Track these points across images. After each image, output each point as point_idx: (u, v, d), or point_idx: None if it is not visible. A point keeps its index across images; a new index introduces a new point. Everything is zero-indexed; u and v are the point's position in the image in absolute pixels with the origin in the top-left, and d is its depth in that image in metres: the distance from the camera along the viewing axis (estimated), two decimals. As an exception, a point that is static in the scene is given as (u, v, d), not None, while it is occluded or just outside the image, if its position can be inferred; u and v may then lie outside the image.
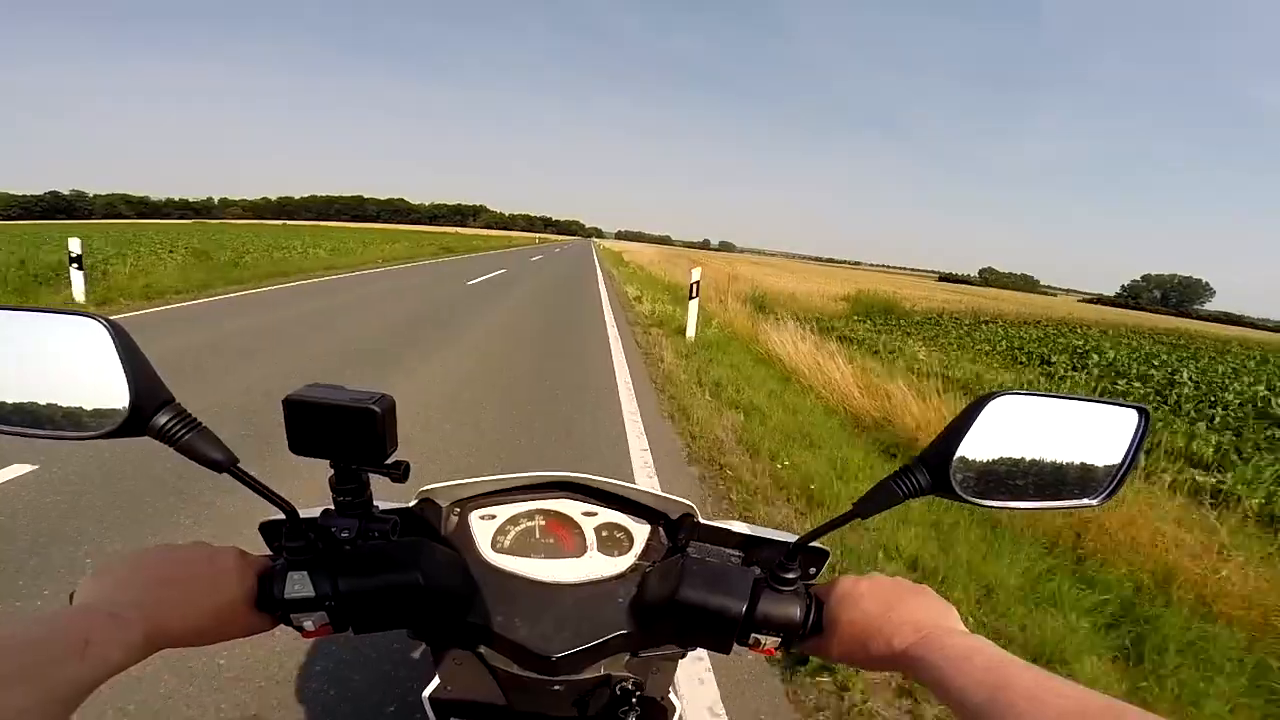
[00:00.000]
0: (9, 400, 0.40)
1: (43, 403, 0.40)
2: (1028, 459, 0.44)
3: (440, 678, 0.60)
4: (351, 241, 23.76)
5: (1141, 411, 0.45)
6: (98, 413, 0.40)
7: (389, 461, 0.47)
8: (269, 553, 0.52)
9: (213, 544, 0.46)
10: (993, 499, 0.44)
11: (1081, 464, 0.45)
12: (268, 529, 0.54)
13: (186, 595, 0.41)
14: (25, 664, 0.30)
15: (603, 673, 0.55)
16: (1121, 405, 0.45)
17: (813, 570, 0.58)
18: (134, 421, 0.39)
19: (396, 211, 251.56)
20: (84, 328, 0.40)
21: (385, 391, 0.47)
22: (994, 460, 0.43)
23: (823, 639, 0.48)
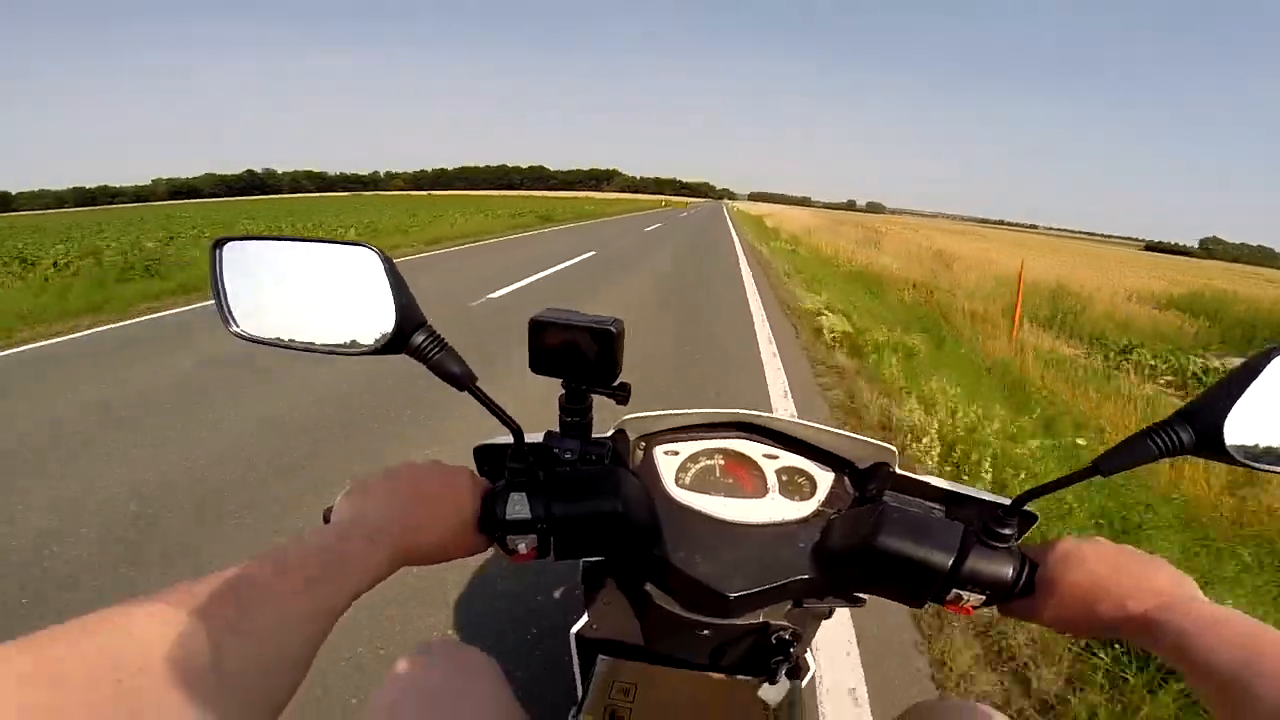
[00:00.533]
0: (292, 320, 0.45)
1: (320, 322, 0.45)
2: None
3: (589, 615, 0.63)
4: (453, 210, 25.00)
5: None
6: (368, 330, 0.43)
7: (616, 384, 0.50)
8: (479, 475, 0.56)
9: (447, 464, 0.48)
10: (1269, 463, 0.38)
11: None
12: (481, 452, 0.58)
13: (430, 515, 0.44)
14: (309, 575, 0.33)
15: (761, 620, 0.56)
16: None
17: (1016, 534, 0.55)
18: (396, 340, 0.42)
19: (538, 179, 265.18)
20: (361, 256, 0.43)
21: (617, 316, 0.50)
22: (1273, 422, 0.37)
23: (1034, 600, 0.45)
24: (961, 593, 0.47)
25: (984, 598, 0.47)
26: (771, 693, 0.55)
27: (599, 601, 0.63)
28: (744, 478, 0.65)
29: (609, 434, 0.63)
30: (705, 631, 0.56)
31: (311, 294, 0.45)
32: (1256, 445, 0.38)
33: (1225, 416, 0.37)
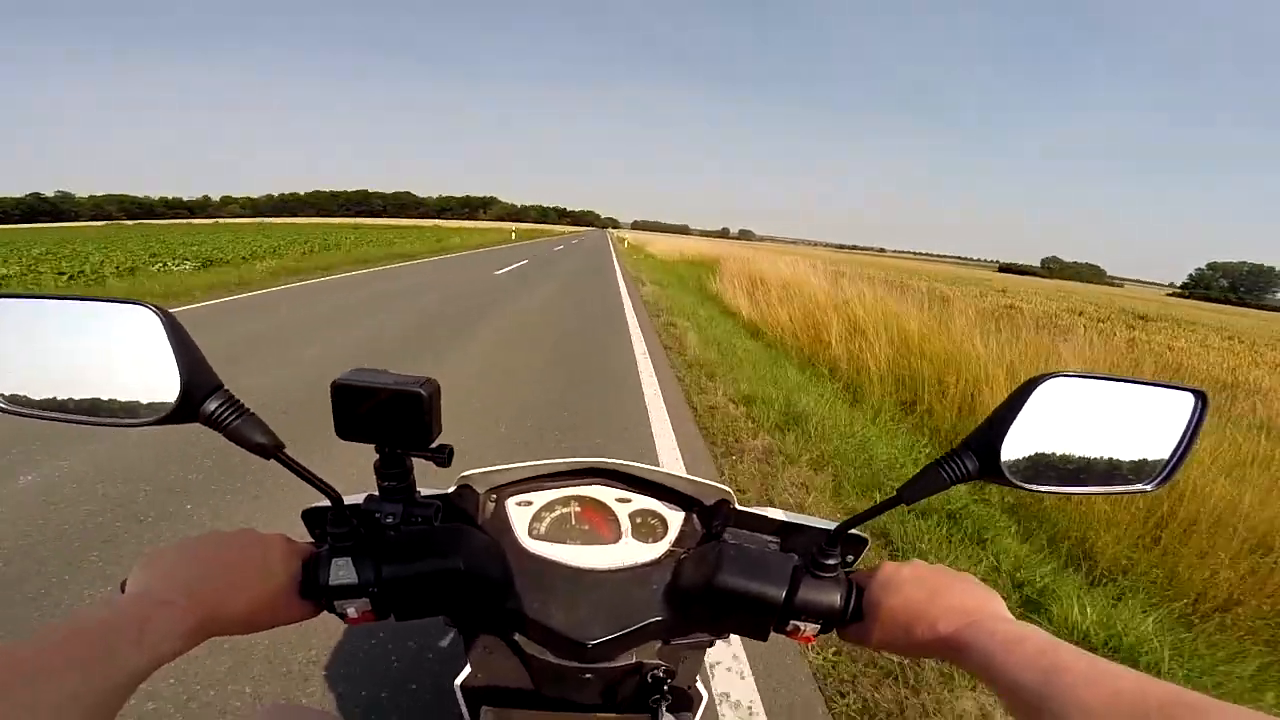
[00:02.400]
0: (64, 388, 0.42)
1: (96, 390, 0.42)
2: (1079, 442, 0.45)
3: (471, 665, 0.63)
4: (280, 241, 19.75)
5: (1199, 395, 0.46)
6: (150, 399, 0.42)
7: (434, 445, 0.49)
8: (310, 540, 0.55)
9: (260, 531, 0.48)
10: (1044, 484, 0.45)
11: (1135, 448, 0.46)
12: (310, 516, 0.57)
13: (237, 582, 0.43)
14: (83, 654, 0.32)
15: (634, 660, 0.57)
16: (1178, 388, 0.46)
17: (850, 558, 0.60)
18: (184, 408, 0.41)
19: (403, 206, 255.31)
20: (136, 316, 0.41)
21: (430, 376, 0.49)
22: (1044, 443, 0.44)
23: (864, 625, 0.49)
24: (798, 623, 0.51)
25: (819, 625, 0.51)
26: None
27: (479, 649, 0.62)
28: (599, 523, 0.67)
29: (450, 489, 0.63)
30: (587, 675, 0.57)
31: (85, 359, 0.43)
32: (1030, 468, 0.45)
33: (1000, 444, 0.43)
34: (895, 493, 0.46)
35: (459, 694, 0.65)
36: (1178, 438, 0.46)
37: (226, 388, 0.43)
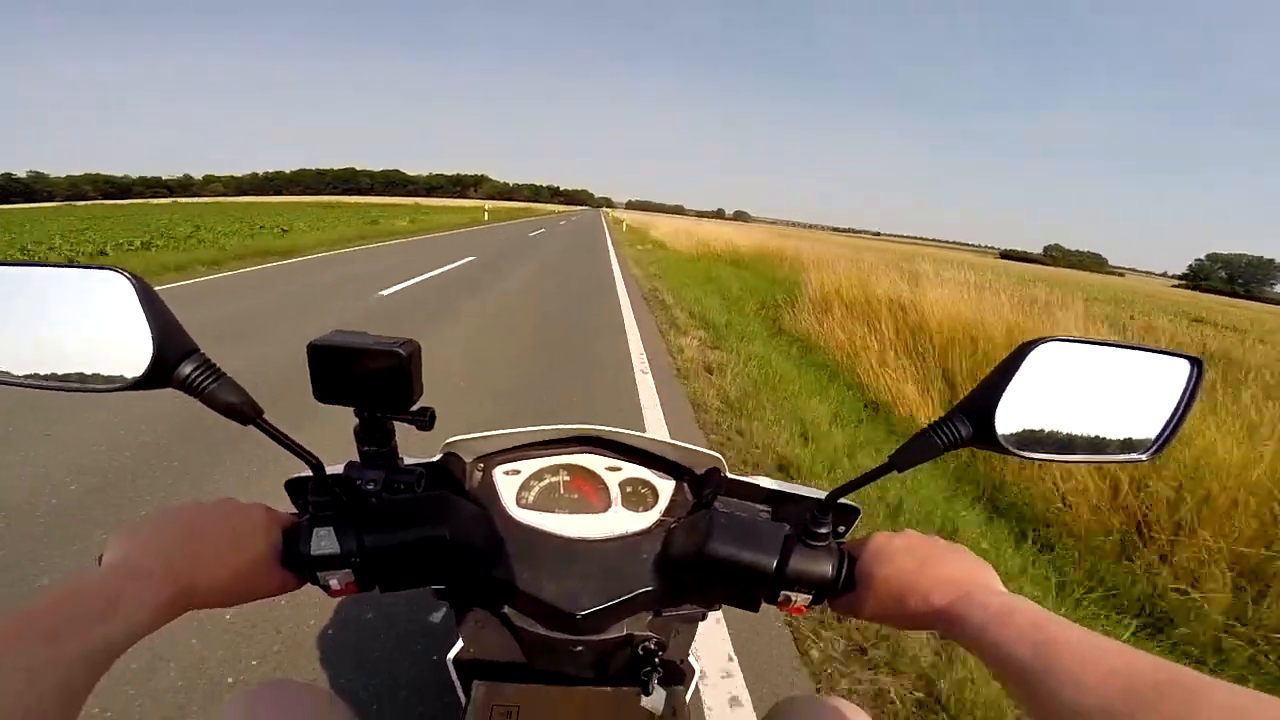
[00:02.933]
0: (35, 354, 0.42)
1: (67, 356, 0.43)
2: (1073, 408, 0.45)
3: (463, 639, 0.63)
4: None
5: (1195, 362, 0.46)
6: (123, 364, 0.42)
7: (414, 409, 0.49)
8: (294, 510, 0.55)
9: (239, 500, 0.47)
10: (1037, 452, 0.45)
11: (1130, 416, 0.46)
12: (293, 486, 0.57)
13: (214, 553, 0.43)
14: (50, 626, 0.32)
15: (625, 632, 0.58)
16: (1174, 355, 0.46)
17: (841, 528, 0.60)
18: (157, 372, 0.41)
19: (392, 184, 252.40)
20: (107, 281, 0.41)
21: (410, 338, 0.48)
22: (1038, 410, 0.44)
23: (855, 596, 0.49)
24: (790, 593, 0.51)
25: (810, 596, 0.51)
26: (651, 702, 0.57)
27: (470, 623, 0.63)
28: (589, 492, 0.67)
29: (436, 457, 0.63)
30: (579, 647, 0.57)
31: (56, 325, 0.43)
32: (1023, 434, 0.44)
33: (995, 409, 0.43)
34: (888, 460, 0.46)
35: (451, 668, 0.65)
36: (1173, 405, 0.46)
37: (202, 351, 0.43)
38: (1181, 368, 0.46)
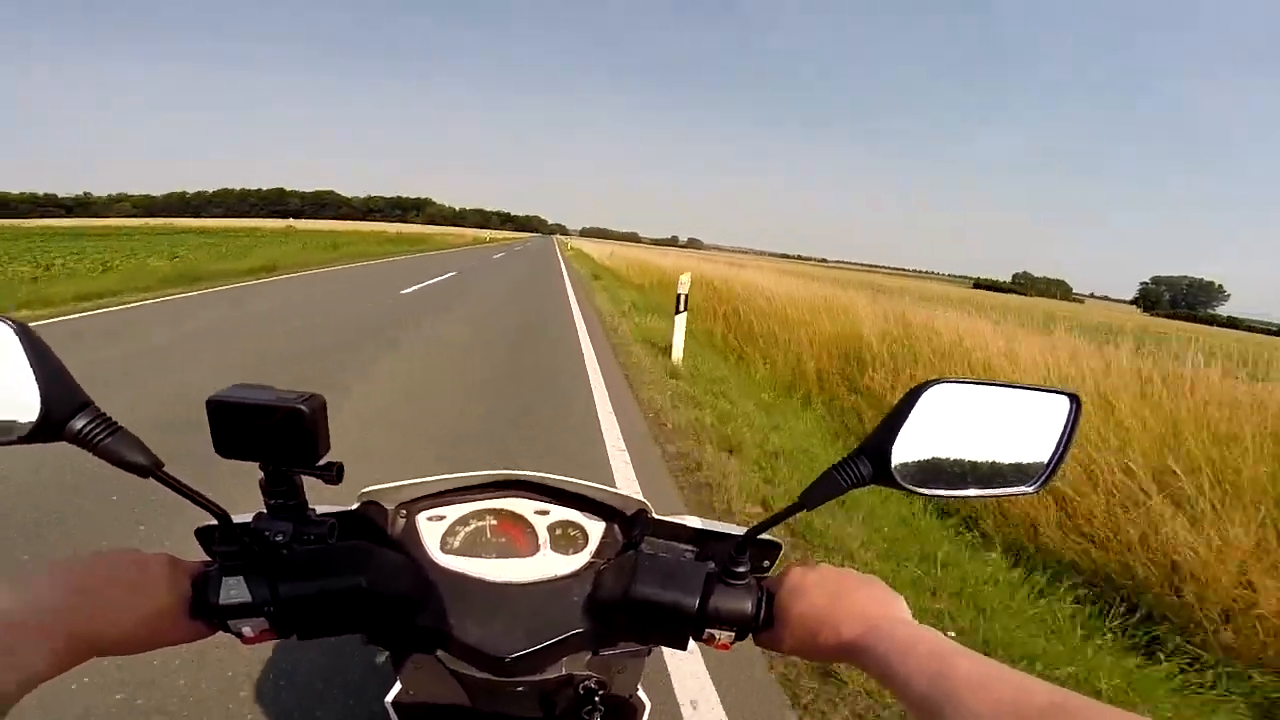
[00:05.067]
0: None
1: None
2: (965, 446, 0.50)
3: (401, 682, 0.64)
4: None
5: (1073, 398, 0.51)
6: (7, 420, 0.42)
7: (321, 463, 0.50)
8: (206, 558, 0.55)
9: (142, 550, 0.48)
10: (933, 488, 0.49)
11: (1017, 451, 0.51)
12: (204, 534, 0.57)
13: (113, 602, 0.44)
14: None
15: (564, 672, 0.59)
16: (1053, 392, 0.51)
17: (766, 563, 0.63)
18: (46, 426, 0.41)
19: (325, 205, 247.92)
20: None
21: (315, 392, 0.50)
22: (933, 448, 0.49)
23: (775, 632, 0.52)
24: (713, 631, 0.54)
25: (734, 633, 0.54)
26: None
27: (409, 665, 0.63)
28: (517, 536, 0.69)
29: (354, 505, 0.65)
30: (520, 688, 0.59)
31: None
32: (919, 471, 0.49)
33: (891, 449, 0.47)
34: (798, 499, 0.50)
35: (391, 711, 0.66)
36: (1055, 439, 0.51)
37: (95, 404, 0.44)
38: (1062, 403, 0.51)
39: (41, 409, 0.41)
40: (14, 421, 0.42)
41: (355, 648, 1.78)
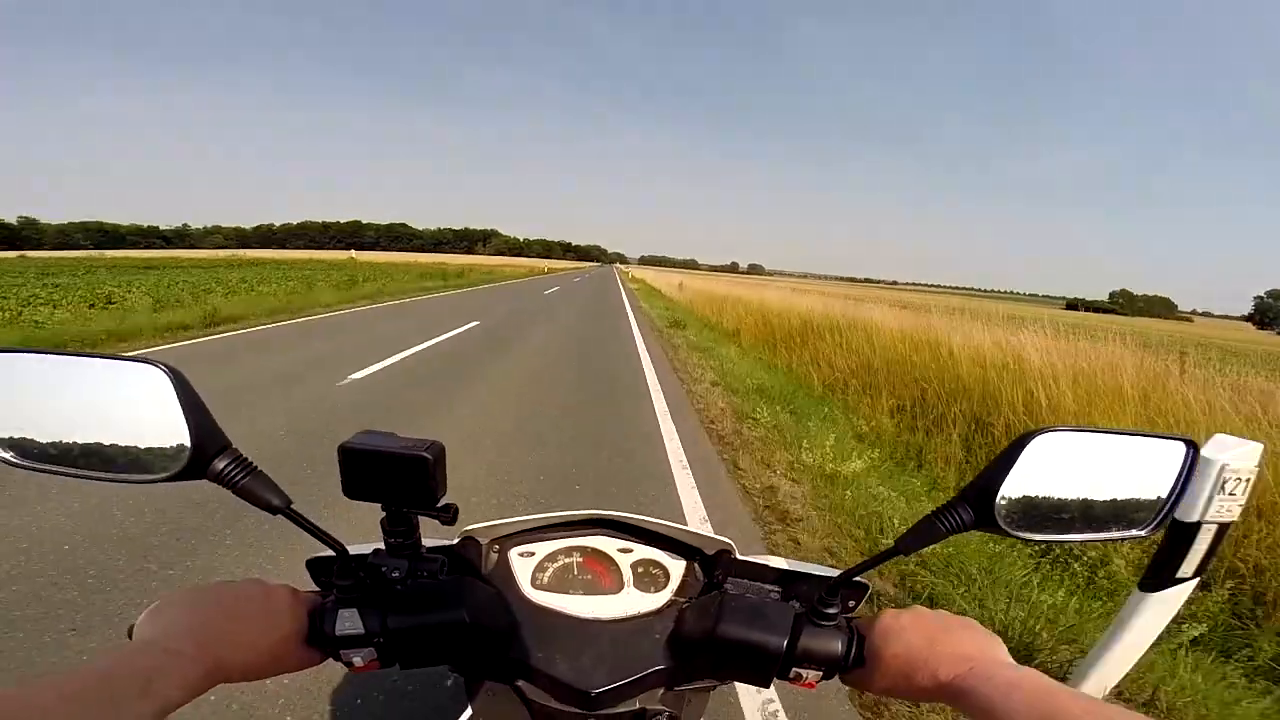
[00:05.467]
0: (78, 443, 0.47)
1: (109, 446, 0.47)
2: (1073, 492, 0.50)
3: (473, 710, 0.67)
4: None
5: (1189, 444, 0.51)
6: (162, 457, 0.46)
7: (439, 505, 0.55)
8: (316, 588, 0.60)
9: (266, 581, 0.52)
10: (1038, 532, 0.50)
11: (1127, 496, 0.51)
12: (315, 565, 0.62)
13: (243, 631, 0.47)
14: (94, 700, 0.35)
15: (638, 707, 0.61)
16: (1167, 438, 0.51)
17: (851, 604, 0.64)
18: (194, 466, 0.46)
19: (397, 238, 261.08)
20: (147, 375, 0.46)
21: (435, 439, 0.55)
22: (1038, 495, 0.49)
23: (865, 672, 0.53)
24: (800, 670, 0.55)
25: (821, 672, 0.55)
26: None
27: (483, 694, 0.66)
28: (602, 573, 0.72)
29: (454, 541, 0.69)
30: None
31: (94, 415, 0.47)
32: (1025, 517, 0.50)
33: (996, 495, 0.48)
34: (894, 543, 0.51)
35: None
36: (1169, 485, 0.51)
37: (235, 447, 0.49)
38: (1177, 450, 0.51)
39: (191, 451, 0.45)
40: (165, 461, 0.46)
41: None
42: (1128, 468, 0.51)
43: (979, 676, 0.45)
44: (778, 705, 1.95)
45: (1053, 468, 0.49)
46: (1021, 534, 0.49)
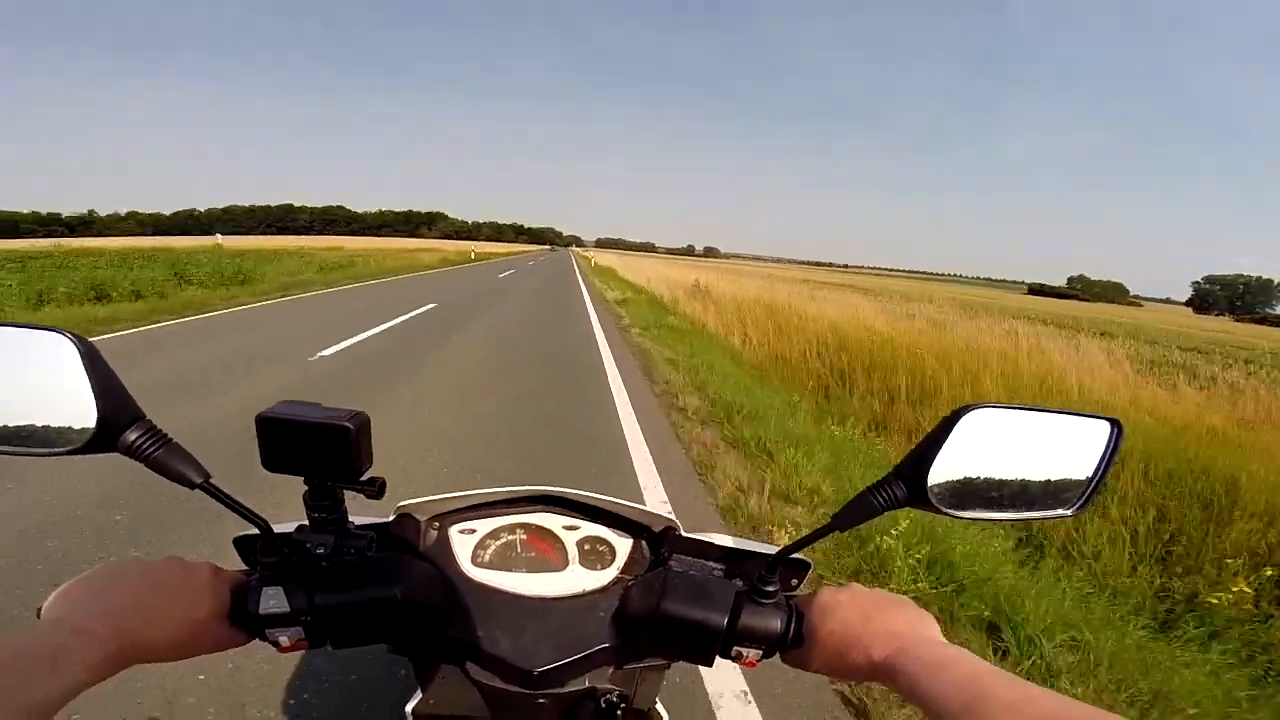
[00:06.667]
0: None
1: (10, 417, 0.46)
2: (1002, 470, 0.52)
3: (423, 692, 0.67)
4: None
5: (1114, 424, 0.53)
6: (65, 429, 0.46)
7: (364, 478, 0.54)
8: (244, 567, 0.59)
9: (186, 559, 0.52)
10: (969, 510, 0.52)
11: (1055, 475, 0.53)
12: (242, 543, 0.61)
13: (157, 609, 0.46)
14: None
15: (587, 685, 0.62)
16: (1094, 417, 0.54)
17: (794, 582, 0.67)
18: (102, 438, 0.45)
19: (333, 221, 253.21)
20: (49, 342, 0.46)
21: (359, 409, 0.54)
22: (969, 472, 0.51)
23: (804, 650, 0.55)
24: (741, 649, 0.57)
25: (761, 651, 0.57)
26: None
27: (430, 676, 0.66)
28: (546, 550, 0.73)
29: (390, 518, 0.69)
30: (541, 700, 0.61)
31: None
32: (955, 494, 0.51)
33: (928, 471, 0.50)
34: (830, 520, 0.53)
35: None
36: (1095, 463, 0.53)
37: (148, 417, 0.47)
38: (1103, 429, 0.54)
39: (97, 422, 0.44)
40: (71, 433, 0.45)
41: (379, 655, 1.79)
42: (1055, 446, 0.54)
43: (909, 655, 0.46)
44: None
45: (983, 445, 0.51)
46: (952, 512, 0.51)
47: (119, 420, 0.46)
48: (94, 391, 0.45)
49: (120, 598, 0.45)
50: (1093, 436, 0.54)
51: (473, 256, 39.80)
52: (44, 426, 0.46)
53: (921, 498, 0.50)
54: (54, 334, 0.46)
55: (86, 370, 0.45)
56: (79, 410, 0.45)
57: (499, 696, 0.61)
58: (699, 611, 0.56)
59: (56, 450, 0.46)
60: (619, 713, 0.62)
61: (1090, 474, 0.54)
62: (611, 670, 0.65)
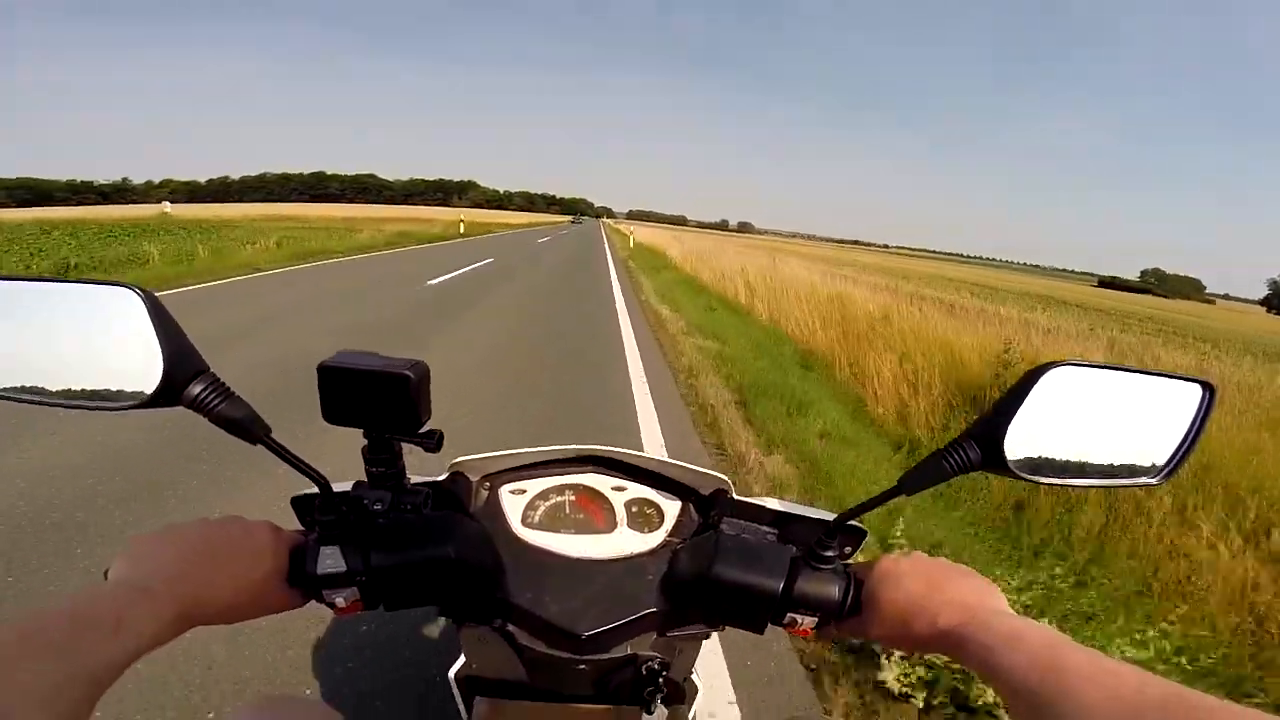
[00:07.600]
0: (43, 370, 0.47)
1: (76, 372, 0.48)
2: (1084, 434, 0.51)
3: (465, 656, 0.69)
4: None
5: (1206, 386, 0.51)
6: (132, 381, 0.47)
7: (423, 430, 0.54)
8: (300, 528, 0.60)
9: (246, 519, 0.52)
10: (1047, 476, 0.50)
11: (1141, 440, 0.52)
12: (299, 503, 0.62)
13: (221, 571, 0.47)
14: (58, 640, 0.35)
15: (629, 652, 0.63)
16: (1186, 380, 0.52)
17: (848, 549, 0.66)
18: (167, 391, 0.46)
19: (365, 189, 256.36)
20: (119, 298, 0.46)
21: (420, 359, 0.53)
22: (1048, 434, 0.50)
23: (861, 619, 0.54)
24: (795, 615, 0.56)
25: (816, 618, 0.56)
26: None
27: (473, 639, 0.67)
28: (595, 512, 0.74)
29: (443, 476, 0.69)
30: (582, 666, 0.62)
31: (65, 341, 0.48)
32: (1033, 459, 0.50)
33: (1004, 434, 0.48)
34: (896, 483, 0.52)
35: (453, 684, 0.70)
36: (1184, 429, 0.51)
37: (211, 370, 0.48)
38: (1194, 392, 0.52)
39: (163, 375, 0.45)
40: (138, 389, 0.46)
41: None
42: (1140, 409, 0.52)
43: (979, 626, 0.45)
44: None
45: (1065, 406, 0.49)
46: (1029, 477, 0.50)
47: (184, 374, 0.46)
48: (161, 345, 0.45)
49: (183, 558, 0.46)
50: (1182, 399, 0.52)
51: (461, 230, 29.35)
52: (111, 381, 0.47)
53: (996, 461, 0.49)
54: (121, 289, 0.47)
55: (154, 324, 0.46)
56: (145, 365, 0.46)
57: (539, 659, 0.62)
58: (752, 576, 0.56)
59: (123, 405, 0.47)
60: (660, 680, 0.62)
61: (1179, 439, 0.52)
62: (655, 637, 0.65)
